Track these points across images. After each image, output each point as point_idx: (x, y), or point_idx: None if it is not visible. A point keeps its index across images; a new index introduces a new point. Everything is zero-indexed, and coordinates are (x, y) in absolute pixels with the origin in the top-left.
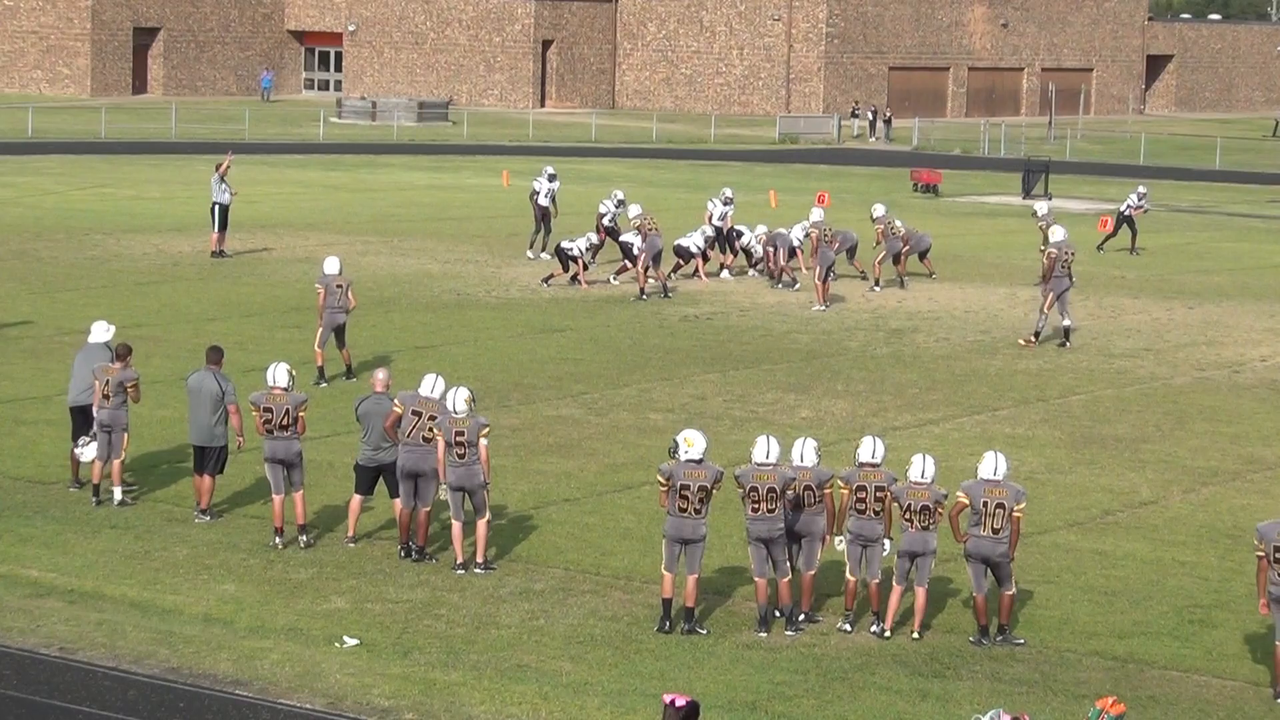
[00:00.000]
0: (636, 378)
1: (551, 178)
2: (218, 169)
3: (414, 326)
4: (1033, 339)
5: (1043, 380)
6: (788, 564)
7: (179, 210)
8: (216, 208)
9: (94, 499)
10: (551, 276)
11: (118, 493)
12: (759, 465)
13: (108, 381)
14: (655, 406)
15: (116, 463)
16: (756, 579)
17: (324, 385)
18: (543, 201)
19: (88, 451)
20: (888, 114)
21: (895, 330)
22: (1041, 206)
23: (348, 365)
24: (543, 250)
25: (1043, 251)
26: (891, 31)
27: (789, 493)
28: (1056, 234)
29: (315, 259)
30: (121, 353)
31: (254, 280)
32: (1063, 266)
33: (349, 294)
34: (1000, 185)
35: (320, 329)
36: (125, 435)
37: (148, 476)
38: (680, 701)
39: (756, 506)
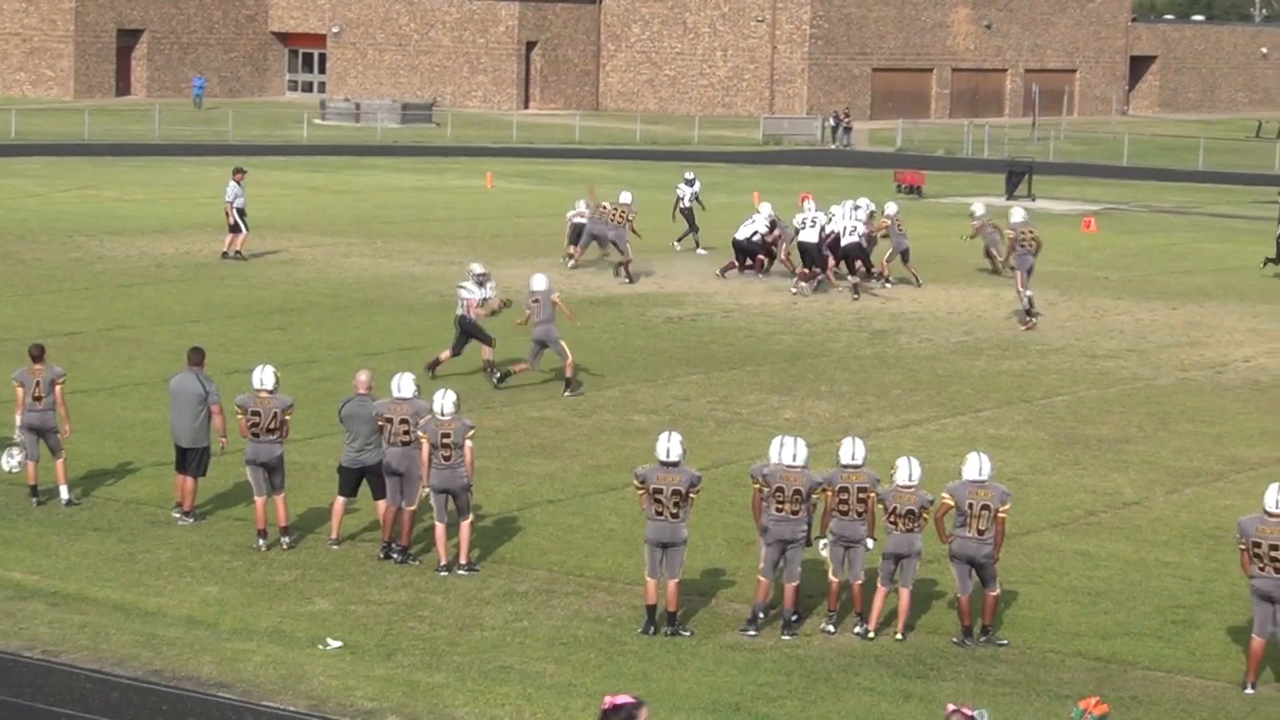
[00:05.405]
0: (620, 379)
1: (690, 181)
2: (234, 175)
3: (398, 328)
4: (1029, 320)
5: (1026, 381)
6: (799, 568)
7: (163, 212)
8: (234, 212)
9: (34, 499)
10: (730, 267)
11: (64, 491)
12: (788, 467)
13: (37, 383)
14: (639, 408)
15: (60, 463)
16: (761, 578)
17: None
18: (687, 204)
19: (8, 461)
20: (847, 120)
21: (879, 331)
22: (978, 207)
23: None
24: (697, 247)
25: (973, 237)
26: (875, 33)
27: (812, 496)
28: (1016, 215)
29: (299, 260)
30: (36, 353)
31: (237, 282)
32: (1022, 246)
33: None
34: (984, 186)
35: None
36: (59, 435)
37: (131, 479)
38: (620, 700)
39: (781, 507)
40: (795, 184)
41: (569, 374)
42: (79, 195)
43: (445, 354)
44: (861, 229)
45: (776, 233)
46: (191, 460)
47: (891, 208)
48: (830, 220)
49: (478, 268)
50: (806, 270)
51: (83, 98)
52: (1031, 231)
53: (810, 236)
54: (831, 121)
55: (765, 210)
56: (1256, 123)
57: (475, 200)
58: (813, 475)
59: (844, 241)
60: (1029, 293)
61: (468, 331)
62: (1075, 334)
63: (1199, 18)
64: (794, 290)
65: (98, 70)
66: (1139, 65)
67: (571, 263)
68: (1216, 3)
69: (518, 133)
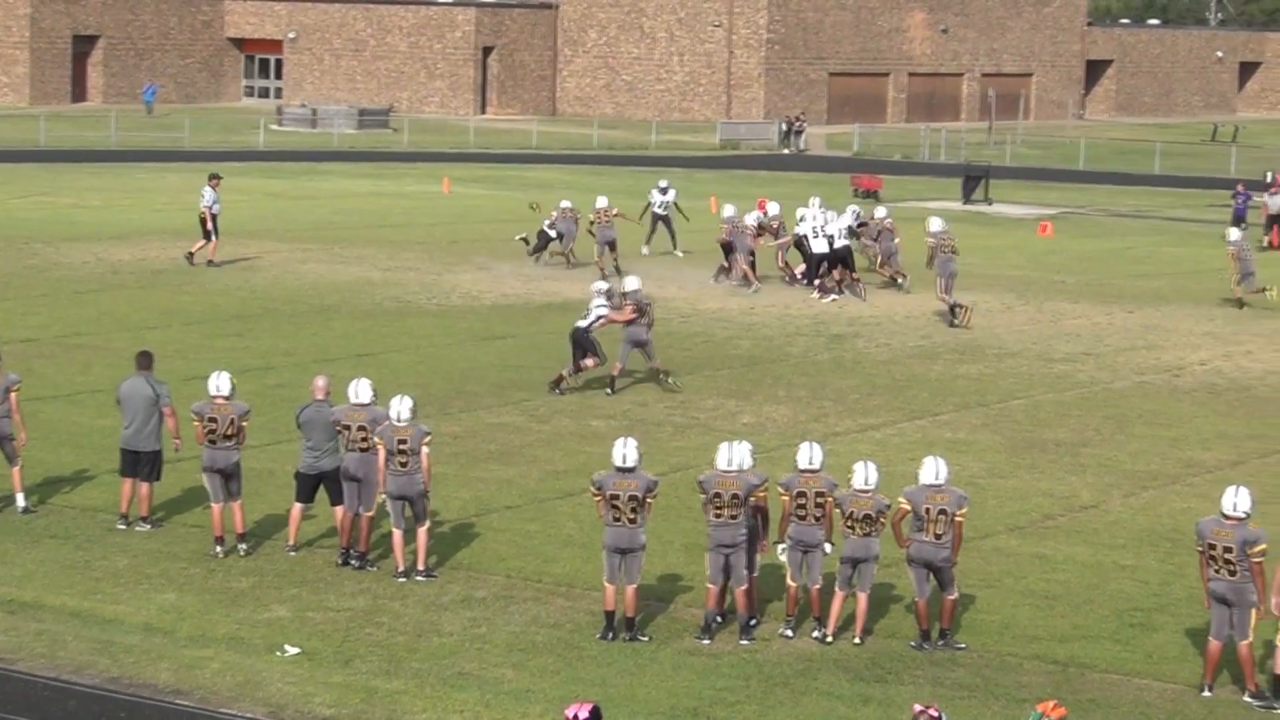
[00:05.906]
0: (578, 384)
1: (664, 189)
2: (210, 181)
3: (355, 334)
4: (955, 322)
5: (983, 385)
6: (745, 572)
7: (119, 218)
8: (210, 218)
9: None
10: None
11: (20, 499)
12: (723, 472)
13: None
14: (597, 413)
15: (16, 470)
16: (710, 585)
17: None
18: (659, 211)
19: None
20: (799, 124)
21: (836, 336)
22: (880, 210)
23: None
24: (676, 249)
25: (876, 252)
26: (832, 38)
27: (751, 500)
28: (934, 224)
29: (256, 267)
30: None
31: (194, 289)
32: (943, 252)
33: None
34: (941, 190)
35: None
36: (15, 442)
37: (88, 486)
38: (584, 714)
39: (719, 512)
40: (752, 189)
41: (655, 367)
42: (35, 201)
43: (589, 361)
44: (846, 232)
45: (762, 238)
46: (144, 465)
47: (880, 211)
48: (827, 223)
49: (604, 285)
50: (820, 277)
51: (38, 104)
52: (951, 239)
53: (820, 247)
54: (784, 126)
55: (773, 209)
56: (1212, 126)
57: (432, 206)
58: (748, 478)
59: (836, 244)
60: (953, 299)
61: (580, 344)
62: (1032, 338)
63: (1154, 22)
64: (824, 299)
65: (53, 76)
66: (1095, 69)
67: (534, 258)
68: (1172, 6)
69: (475, 138)
